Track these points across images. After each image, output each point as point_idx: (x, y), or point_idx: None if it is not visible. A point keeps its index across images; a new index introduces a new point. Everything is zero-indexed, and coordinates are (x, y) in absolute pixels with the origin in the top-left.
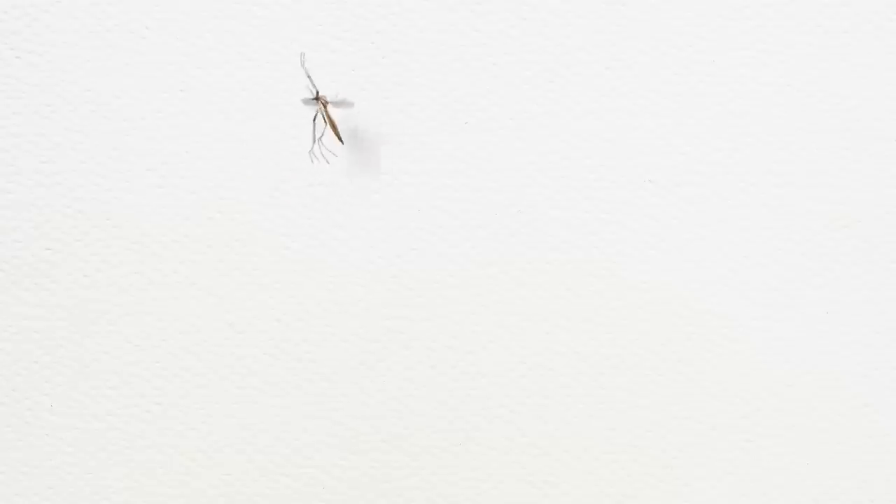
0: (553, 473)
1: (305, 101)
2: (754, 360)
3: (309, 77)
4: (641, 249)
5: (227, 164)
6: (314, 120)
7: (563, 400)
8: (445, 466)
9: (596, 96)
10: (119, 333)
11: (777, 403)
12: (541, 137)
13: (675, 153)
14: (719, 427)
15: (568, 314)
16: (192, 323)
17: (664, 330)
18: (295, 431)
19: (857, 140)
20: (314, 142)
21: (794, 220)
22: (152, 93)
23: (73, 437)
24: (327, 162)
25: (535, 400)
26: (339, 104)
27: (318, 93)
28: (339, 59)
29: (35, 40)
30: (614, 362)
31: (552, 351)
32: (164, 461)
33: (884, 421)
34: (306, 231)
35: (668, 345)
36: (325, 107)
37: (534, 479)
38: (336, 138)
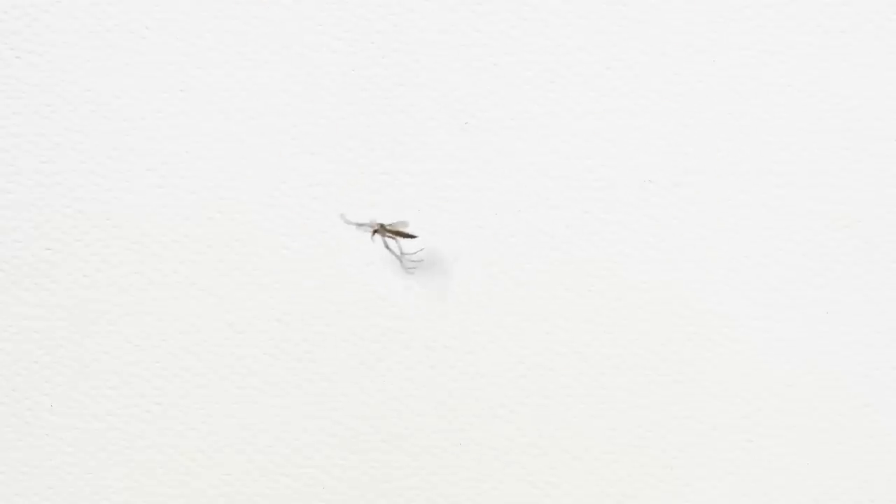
0: (553, 473)
1: (370, 235)
2: (754, 360)
3: (359, 226)
4: (641, 249)
5: (227, 164)
6: (386, 247)
7: (563, 400)
8: (445, 466)
9: (596, 96)
10: (119, 333)
11: (777, 403)
12: (541, 137)
13: (675, 153)
14: (720, 427)
15: (568, 314)
16: (192, 323)
17: (664, 330)
18: (295, 431)
19: (857, 140)
20: (402, 261)
21: (794, 220)
22: (152, 93)
23: (73, 437)
24: (422, 259)
25: (535, 400)
26: (395, 224)
27: (374, 227)
28: (339, 59)
29: (35, 40)
30: (614, 362)
31: (552, 351)
32: (164, 461)
33: (884, 421)
34: (306, 231)
35: (669, 345)
36: (385, 231)
37: (534, 479)
38: (409, 239)
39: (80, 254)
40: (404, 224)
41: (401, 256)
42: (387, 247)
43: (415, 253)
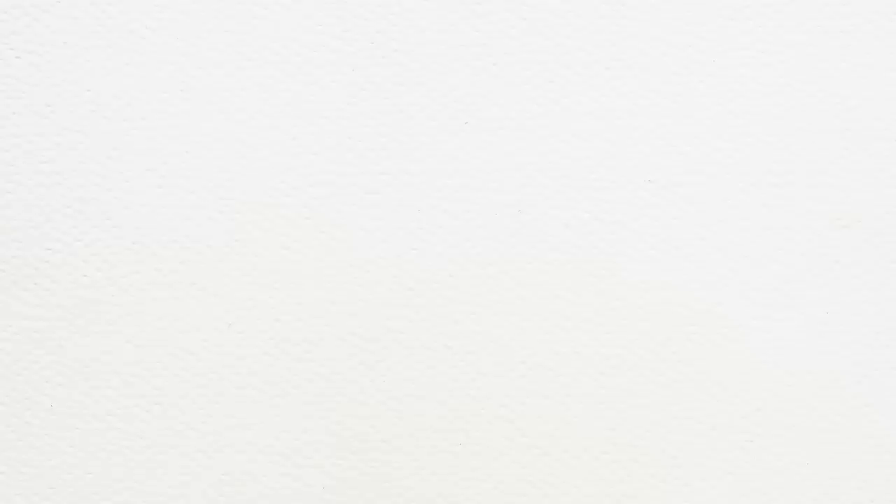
0: (553, 473)
1: None
2: (754, 360)
3: None
4: (641, 249)
5: (227, 164)
6: None
7: (563, 400)
8: (445, 466)
9: (596, 96)
10: (119, 333)
11: (777, 403)
12: (541, 137)
13: (675, 153)
14: (719, 427)
15: (568, 314)
16: (192, 323)
17: (664, 330)
18: (295, 431)
19: (857, 140)
20: None
21: (794, 220)
22: (152, 93)
23: (73, 437)
24: None
25: (535, 400)
26: None
27: None
28: (339, 59)
29: (35, 40)
30: (614, 362)
31: (552, 351)
32: (164, 461)
33: (884, 421)
34: (306, 231)
35: (668, 345)
36: None
37: (534, 479)
38: None
39: (80, 254)
40: None
41: None
42: None
43: None
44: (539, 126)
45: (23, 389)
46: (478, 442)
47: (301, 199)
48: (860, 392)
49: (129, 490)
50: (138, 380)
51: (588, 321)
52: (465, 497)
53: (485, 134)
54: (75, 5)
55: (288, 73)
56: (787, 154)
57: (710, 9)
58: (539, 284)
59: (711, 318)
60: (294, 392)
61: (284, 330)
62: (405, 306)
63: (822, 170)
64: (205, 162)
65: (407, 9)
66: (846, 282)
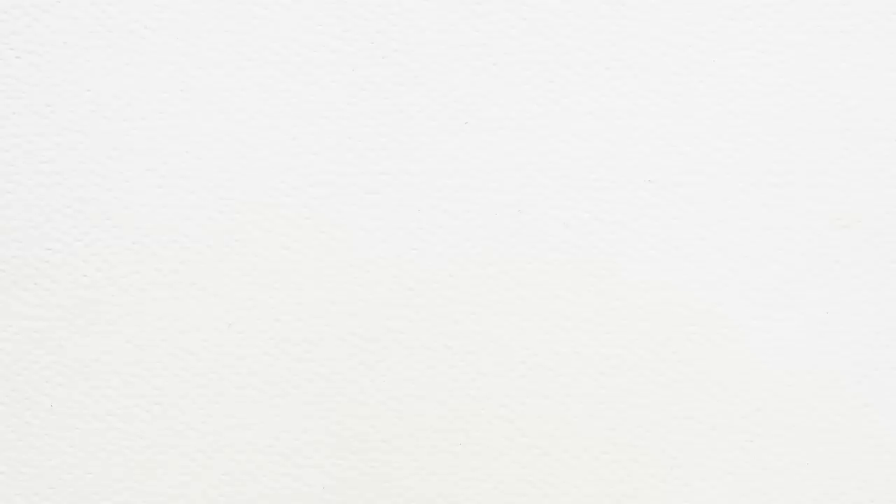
0: (553, 473)
1: None
2: (754, 360)
3: None
4: (641, 249)
5: (227, 164)
6: None
7: (563, 400)
8: (445, 466)
9: (596, 96)
10: (119, 333)
11: (777, 403)
12: (541, 137)
13: (675, 153)
14: (719, 427)
15: (568, 314)
16: (192, 323)
17: (664, 330)
18: (295, 431)
19: (857, 140)
20: None
21: (794, 220)
22: (152, 93)
23: (73, 437)
24: None
25: (535, 400)
26: None
27: None
28: (339, 59)
29: (35, 40)
30: (614, 362)
31: (552, 351)
32: (164, 461)
33: (884, 421)
34: (306, 231)
35: (668, 345)
36: None
37: (534, 479)
38: None
39: (80, 254)
40: None
41: None
42: None
43: None
44: (539, 126)
45: (23, 389)
46: (478, 442)
47: (301, 199)
48: (860, 392)
49: (129, 490)
50: (138, 380)
51: (588, 321)
52: (465, 497)
53: (485, 134)
54: (75, 5)
55: (288, 73)
56: (787, 154)
57: (710, 9)
58: (539, 284)
59: (711, 318)
60: (294, 392)
61: (284, 330)
62: (405, 306)
63: (822, 170)
64: (205, 162)
65: (407, 9)
66: (846, 282)
